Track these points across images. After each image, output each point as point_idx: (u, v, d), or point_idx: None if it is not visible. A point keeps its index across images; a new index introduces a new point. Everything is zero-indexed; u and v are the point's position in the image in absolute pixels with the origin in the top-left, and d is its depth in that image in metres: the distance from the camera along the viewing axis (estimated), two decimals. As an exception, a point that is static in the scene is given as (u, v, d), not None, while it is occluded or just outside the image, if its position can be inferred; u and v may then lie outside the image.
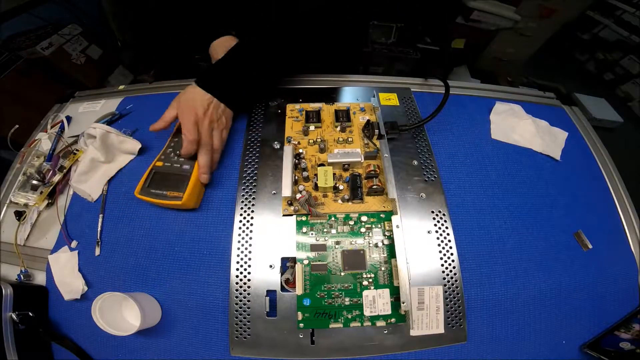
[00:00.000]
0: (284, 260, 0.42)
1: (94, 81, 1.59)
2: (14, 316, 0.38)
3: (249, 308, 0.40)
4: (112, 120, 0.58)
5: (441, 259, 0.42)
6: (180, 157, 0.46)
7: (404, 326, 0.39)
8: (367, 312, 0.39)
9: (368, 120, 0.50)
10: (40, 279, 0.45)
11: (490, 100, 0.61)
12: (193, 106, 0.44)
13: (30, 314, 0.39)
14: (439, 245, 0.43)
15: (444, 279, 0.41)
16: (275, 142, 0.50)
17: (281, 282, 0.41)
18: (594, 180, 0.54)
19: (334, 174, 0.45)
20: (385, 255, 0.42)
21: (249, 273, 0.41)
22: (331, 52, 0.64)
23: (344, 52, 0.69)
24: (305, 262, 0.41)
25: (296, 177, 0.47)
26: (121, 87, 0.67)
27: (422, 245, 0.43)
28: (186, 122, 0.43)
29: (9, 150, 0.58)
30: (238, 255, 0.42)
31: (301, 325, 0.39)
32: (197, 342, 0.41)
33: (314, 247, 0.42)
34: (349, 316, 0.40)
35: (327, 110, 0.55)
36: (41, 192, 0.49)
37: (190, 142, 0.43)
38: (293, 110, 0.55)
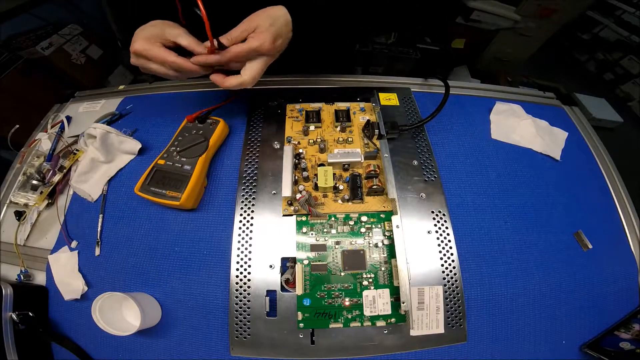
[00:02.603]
0: (284, 260, 0.42)
1: (94, 81, 1.59)
2: (14, 316, 0.38)
3: (249, 308, 0.40)
4: (112, 120, 0.58)
5: (441, 259, 0.42)
6: (182, 157, 0.46)
7: (404, 326, 0.39)
8: (367, 312, 0.39)
9: (368, 120, 0.50)
10: (40, 279, 0.45)
11: (490, 100, 0.61)
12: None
13: (30, 314, 0.39)
14: (439, 245, 0.43)
15: (444, 279, 0.41)
16: (275, 142, 0.50)
17: (281, 282, 0.41)
18: (594, 180, 0.54)
19: (334, 174, 0.45)
20: (385, 255, 0.42)
21: (249, 273, 0.41)
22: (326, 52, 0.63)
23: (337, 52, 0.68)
24: (305, 262, 0.41)
25: (296, 177, 0.47)
26: (121, 87, 0.67)
27: (422, 245, 0.43)
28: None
29: (9, 150, 0.58)
30: (238, 255, 0.42)
31: (301, 325, 0.39)
32: (197, 342, 0.41)
33: (314, 247, 0.42)
34: (349, 316, 0.39)
35: (327, 110, 0.55)
36: (41, 192, 0.49)
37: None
38: (293, 110, 0.55)
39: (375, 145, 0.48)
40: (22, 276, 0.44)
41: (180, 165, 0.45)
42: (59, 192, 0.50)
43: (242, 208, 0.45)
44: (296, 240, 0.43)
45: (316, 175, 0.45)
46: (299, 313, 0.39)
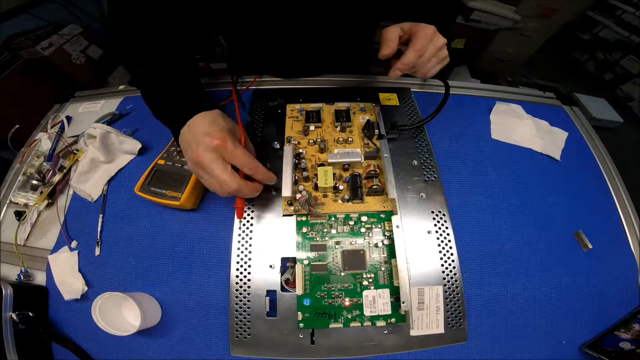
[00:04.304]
0: (284, 260, 0.42)
1: (94, 81, 1.59)
2: (14, 316, 0.38)
3: (249, 308, 0.40)
4: (112, 120, 0.58)
5: (441, 259, 0.42)
6: (182, 157, 0.46)
7: (404, 326, 0.39)
8: (367, 312, 0.39)
9: (368, 120, 0.50)
10: (40, 279, 0.45)
11: (490, 100, 0.61)
12: None
13: (30, 314, 0.39)
14: (439, 245, 0.43)
15: (444, 279, 0.41)
16: (275, 142, 0.50)
17: (281, 282, 0.41)
18: (594, 180, 0.54)
19: (334, 174, 0.45)
20: (385, 255, 0.42)
21: (249, 273, 0.41)
22: (338, 52, 0.63)
23: (350, 51, 0.68)
24: (305, 262, 0.41)
25: (296, 177, 0.47)
26: (121, 87, 0.67)
27: (422, 245, 0.43)
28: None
29: (9, 150, 0.58)
30: (238, 255, 0.42)
31: (301, 325, 0.39)
32: (197, 342, 0.41)
33: (314, 247, 0.42)
34: (349, 316, 0.39)
35: (327, 110, 0.55)
36: (41, 192, 0.49)
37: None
38: (293, 110, 0.55)
39: (375, 145, 0.48)
40: (22, 276, 0.44)
41: (180, 165, 0.45)
42: (59, 192, 0.50)
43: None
44: (296, 240, 0.43)
45: (316, 175, 0.45)
46: (299, 313, 0.39)
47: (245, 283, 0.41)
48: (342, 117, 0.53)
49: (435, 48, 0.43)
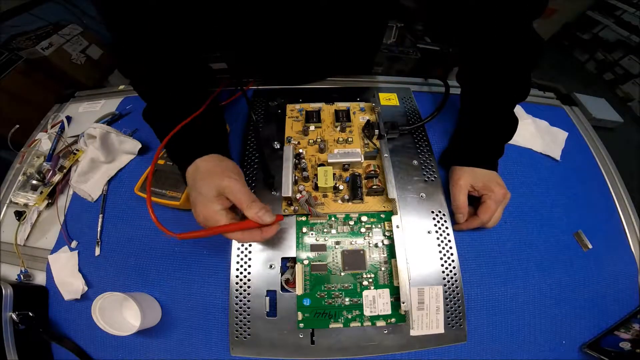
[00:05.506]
0: (284, 260, 0.42)
1: (94, 81, 1.59)
2: (14, 316, 0.38)
3: (249, 308, 0.40)
4: (112, 120, 0.58)
5: (441, 259, 0.42)
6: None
7: (404, 326, 0.39)
8: (367, 312, 0.39)
9: (368, 120, 0.50)
10: (40, 279, 0.45)
11: (490, 100, 0.61)
12: None
13: (30, 314, 0.39)
14: (439, 245, 0.43)
15: (444, 279, 0.41)
16: (275, 142, 0.50)
17: (281, 282, 0.41)
18: (594, 180, 0.54)
19: (334, 174, 0.45)
20: (385, 255, 0.42)
21: (249, 273, 0.41)
22: (345, 52, 0.62)
23: (358, 52, 0.67)
24: (305, 262, 0.41)
25: (296, 177, 0.47)
26: (121, 87, 0.67)
27: (422, 245, 0.43)
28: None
29: (9, 150, 0.58)
30: (238, 256, 0.42)
31: (301, 325, 0.39)
32: (197, 342, 0.41)
33: (314, 247, 0.42)
34: (349, 316, 0.39)
35: (327, 110, 0.55)
36: (41, 192, 0.49)
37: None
38: (293, 110, 0.55)
39: (375, 145, 0.48)
40: (22, 276, 0.44)
41: (180, 165, 0.45)
42: (59, 192, 0.50)
43: (242, 208, 0.45)
44: (296, 240, 0.43)
45: (316, 175, 0.45)
46: (299, 313, 0.39)
47: (245, 283, 0.41)
48: (342, 117, 0.53)
49: (502, 208, 0.44)
